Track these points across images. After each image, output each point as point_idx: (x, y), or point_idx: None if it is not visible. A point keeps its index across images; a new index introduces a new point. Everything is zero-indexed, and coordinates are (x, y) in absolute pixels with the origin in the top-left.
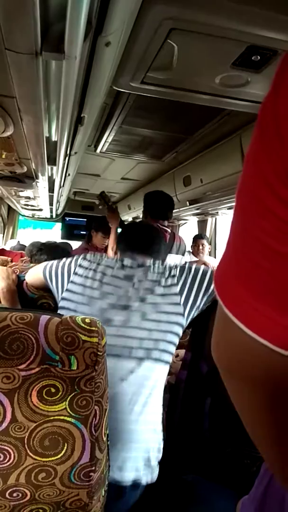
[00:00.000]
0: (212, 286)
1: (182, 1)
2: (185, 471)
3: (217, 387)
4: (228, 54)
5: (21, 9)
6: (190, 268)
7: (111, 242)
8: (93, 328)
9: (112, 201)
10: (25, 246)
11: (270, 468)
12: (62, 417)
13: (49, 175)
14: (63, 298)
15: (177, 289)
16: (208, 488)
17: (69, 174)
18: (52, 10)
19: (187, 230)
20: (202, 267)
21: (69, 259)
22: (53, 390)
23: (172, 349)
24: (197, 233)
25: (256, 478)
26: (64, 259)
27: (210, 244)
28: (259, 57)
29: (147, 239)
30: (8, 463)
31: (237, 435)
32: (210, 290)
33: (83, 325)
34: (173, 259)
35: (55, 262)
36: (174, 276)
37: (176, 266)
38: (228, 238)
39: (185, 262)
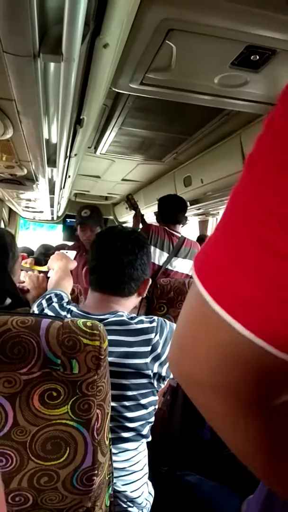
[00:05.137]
0: None
1: (180, 2)
2: (187, 471)
3: None
4: (227, 54)
5: (18, 12)
6: None
7: None
8: (95, 332)
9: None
10: (27, 247)
11: (270, 485)
12: (64, 421)
13: (50, 177)
14: None
15: None
16: (211, 488)
17: (69, 176)
18: (49, 12)
19: (188, 230)
20: None
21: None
22: (54, 394)
23: None
24: (198, 233)
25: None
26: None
27: None
28: (258, 57)
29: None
30: (10, 467)
31: None
32: None
33: (84, 328)
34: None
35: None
36: None
37: None
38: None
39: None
